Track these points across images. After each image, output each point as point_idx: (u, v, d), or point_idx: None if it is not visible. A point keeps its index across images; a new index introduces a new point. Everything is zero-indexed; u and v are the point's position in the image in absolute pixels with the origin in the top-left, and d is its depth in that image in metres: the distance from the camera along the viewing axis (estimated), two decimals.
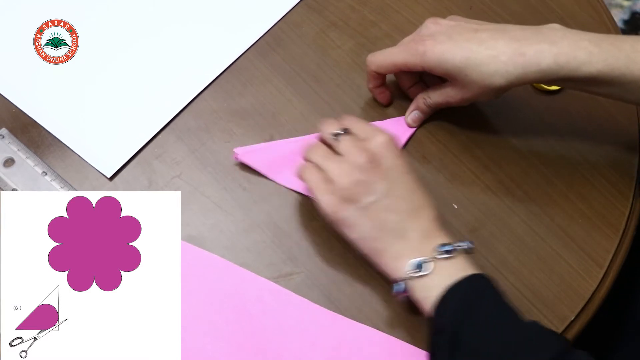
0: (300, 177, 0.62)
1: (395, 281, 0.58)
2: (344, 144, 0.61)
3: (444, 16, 0.77)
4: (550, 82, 0.62)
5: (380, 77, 0.69)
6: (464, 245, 0.58)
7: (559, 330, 0.62)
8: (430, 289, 0.56)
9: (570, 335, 0.62)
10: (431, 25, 0.66)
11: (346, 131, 0.62)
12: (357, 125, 0.63)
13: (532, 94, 0.73)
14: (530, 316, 0.62)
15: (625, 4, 1.66)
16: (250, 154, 0.68)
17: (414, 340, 0.61)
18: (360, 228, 0.59)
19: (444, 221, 0.65)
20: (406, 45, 0.66)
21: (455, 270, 0.57)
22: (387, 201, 0.59)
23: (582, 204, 0.67)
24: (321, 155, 0.62)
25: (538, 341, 0.54)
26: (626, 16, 1.64)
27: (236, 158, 0.68)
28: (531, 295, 0.63)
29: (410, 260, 0.57)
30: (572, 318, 0.62)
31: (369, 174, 0.59)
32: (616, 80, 0.60)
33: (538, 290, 0.63)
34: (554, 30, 0.62)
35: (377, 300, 0.63)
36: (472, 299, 0.55)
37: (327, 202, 0.60)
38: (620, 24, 1.62)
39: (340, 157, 0.61)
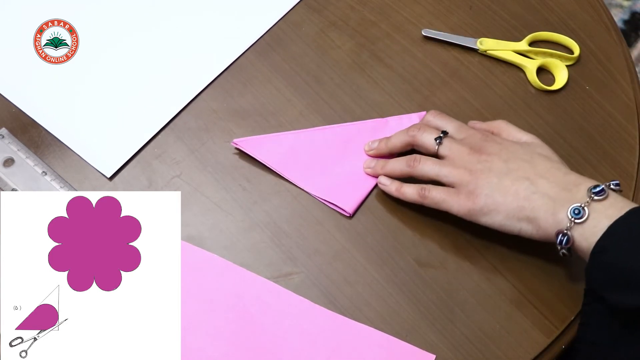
0: (426, 199, 0.62)
1: (560, 233, 0.57)
2: (447, 147, 0.63)
3: (444, 16, 0.77)
4: None
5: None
6: (613, 184, 0.58)
7: (559, 330, 0.62)
8: (592, 234, 0.56)
9: (570, 335, 0.62)
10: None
11: (445, 133, 0.64)
12: (450, 125, 0.65)
13: (532, 94, 0.73)
14: (531, 316, 0.62)
15: (625, 4, 1.66)
16: (248, 141, 0.69)
17: (413, 340, 0.61)
18: (502, 207, 0.59)
19: (444, 215, 0.65)
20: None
21: (614, 209, 0.56)
22: (512, 174, 0.60)
23: None
24: (431, 167, 0.63)
25: None
26: (626, 16, 1.64)
27: (235, 145, 0.69)
28: (531, 295, 0.63)
29: (570, 206, 0.57)
30: (572, 318, 0.62)
31: (483, 161, 0.61)
32: None
33: (538, 290, 0.63)
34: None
35: (377, 300, 0.63)
36: (637, 232, 0.55)
37: (459, 205, 0.61)
38: (620, 24, 1.62)
39: (449, 160, 0.62)
